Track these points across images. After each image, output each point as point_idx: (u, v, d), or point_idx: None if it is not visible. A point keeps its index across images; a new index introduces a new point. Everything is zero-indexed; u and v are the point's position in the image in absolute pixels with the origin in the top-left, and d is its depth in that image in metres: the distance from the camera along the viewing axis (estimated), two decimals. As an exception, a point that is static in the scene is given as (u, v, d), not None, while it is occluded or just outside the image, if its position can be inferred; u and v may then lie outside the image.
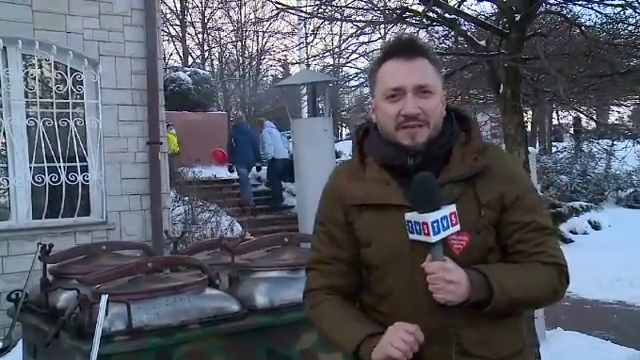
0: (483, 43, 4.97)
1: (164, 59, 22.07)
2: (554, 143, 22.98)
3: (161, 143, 7.05)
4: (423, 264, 1.64)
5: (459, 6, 5.01)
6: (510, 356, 1.77)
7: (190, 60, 28.05)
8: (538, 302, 1.83)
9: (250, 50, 28.56)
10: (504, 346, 1.76)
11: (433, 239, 1.61)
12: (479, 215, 1.72)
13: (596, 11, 5.45)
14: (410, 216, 1.66)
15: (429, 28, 5.40)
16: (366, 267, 1.83)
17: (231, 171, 14.30)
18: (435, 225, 1.60)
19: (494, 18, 5.58)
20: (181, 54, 28.32)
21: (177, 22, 27.63)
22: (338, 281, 1.86)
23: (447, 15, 4.77)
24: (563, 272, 1.76)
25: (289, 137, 10.78)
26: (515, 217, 1.75)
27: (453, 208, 1.64)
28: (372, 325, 1.76)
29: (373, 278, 1.81)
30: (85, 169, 6.69)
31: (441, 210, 1.62)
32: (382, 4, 5.40)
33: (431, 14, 4.78)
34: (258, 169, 14.26)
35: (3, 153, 6.34)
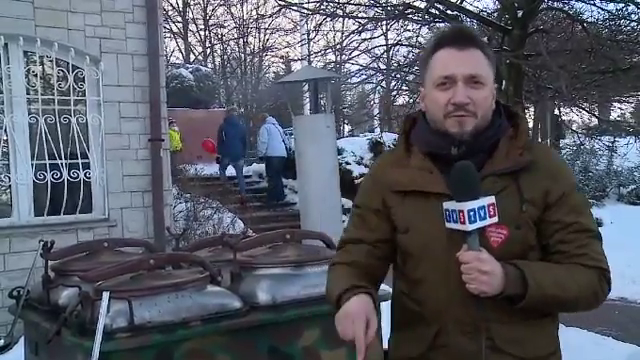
0: (485, 40, 4.96)
1: (166, 56, 22.05)
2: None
3: (163, 140, 7.04)
4: (458, 253, 1.63)
5: (461, 3, 5.00)
6: (541, 358, 1.75)
7: (192, 57, 28.09)
8: (577, 304, 1.76)
9: (252, 47, 28.57)
10: (537, 347, 1.74)
11: (469, 227, 1.60)
12: (520, 210, 1.70)
13: (598, 7, 5.45)
14: (448, 204, 1.66)
15: (431, 25, 5.38)
16: (401, 254, 1.84)
17: (218, 162, 14.51)
18: (471, 214, 1.60)
19: (496, 15, 5.57)
20: (183, 51, 28.37)
21: (179, 19, 27.66)
22: (360, 259, 1.86)
23: (449, 12, 4.77)
24: (605, 277, 1.73)
25: (291, 134, 10.79)
26: (558, 216, 1.72)
27: (492, 199, 1.63)
28: (362, 280, 1.77)
29: (408, 266, 1.82)
30: (87, 166, 6.69)
31: (479, 200, 1.61)
32: (384, 1, 5.39)
33: (433, 11, 4.77)
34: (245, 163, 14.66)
35: (5, 150, 6.33)
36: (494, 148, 1.75)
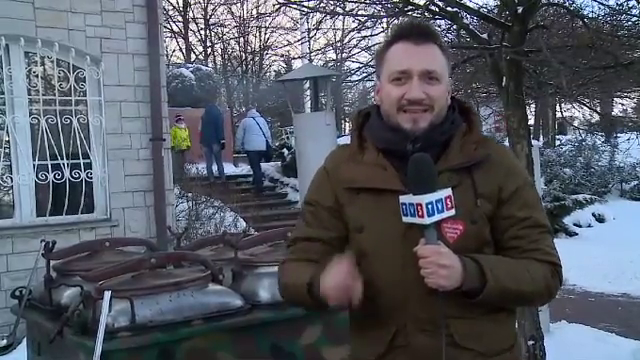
0: (485, 36, 4.94)
1: (167, 56, 22.08)
2: (557, 136, 22.93)
3: (164, 139, 7.05)
4: (416, 248, 1.61)
5: (461, -1, 4.99)
6: (500, 352, 1.73)
7: (193, 56, 28.07)
8: (532, 298, 1.78)
9: (252, 46, 28.56)
10: (495, 341, 1.72)
11: (427, 221, 1.58)
12: (475, 205, 1.69)
13: (599, 2, 5.41)
14: (405, 198, 1.63)
15: (431, 21, 5.37)
16: (355, 254, 1.78)
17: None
18: (429, 206, 1.57)
19: (496, 11, 5.55)
20: (184, 50, 28.34)
21: (179, 18, 27.62)
22: (314, 258, 1.81)
23: (449, 8, 4.75)
24: (557, 271, 1.74)
25: (292, 132, 10.83)
26: (511, 211, 1.72)
27: (449, 192, 1.61)
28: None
29: (362, 265, 1.75)
30: (88, 166, 6.70)
31: (436, 193, 1.60)
32: (384, -2, 5.39)
33: (433, 7, 4.76)
34: (223, 147, 15.21)
35: (7, 151, 6.34)
36: (448, 143, 1.74)
